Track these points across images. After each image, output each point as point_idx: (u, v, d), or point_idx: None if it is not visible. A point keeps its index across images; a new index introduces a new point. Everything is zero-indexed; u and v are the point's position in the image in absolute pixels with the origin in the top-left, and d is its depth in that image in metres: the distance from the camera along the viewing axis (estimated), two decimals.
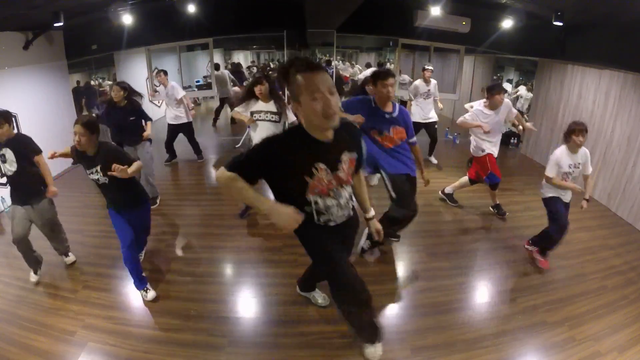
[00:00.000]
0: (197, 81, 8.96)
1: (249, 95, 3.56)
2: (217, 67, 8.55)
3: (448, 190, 4.27)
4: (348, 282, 1.89)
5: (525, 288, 2.90)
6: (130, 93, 4.06)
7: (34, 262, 2.99)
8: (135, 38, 5.99)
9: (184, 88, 7.81)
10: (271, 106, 3.53)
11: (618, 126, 4.28)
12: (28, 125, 4.72)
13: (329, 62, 9.92)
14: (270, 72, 9.82)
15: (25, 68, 4.77)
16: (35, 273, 2.99)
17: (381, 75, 2.77)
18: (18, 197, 2.89)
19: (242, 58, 14.24)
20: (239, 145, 6.48)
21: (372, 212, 2.07)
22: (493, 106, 3.70)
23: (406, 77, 8.02)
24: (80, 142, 2.53)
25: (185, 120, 5.44)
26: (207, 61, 9.10)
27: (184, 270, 3.17)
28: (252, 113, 3.55)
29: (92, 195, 4.85)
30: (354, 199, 1.90)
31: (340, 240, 1.91)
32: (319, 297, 2.65)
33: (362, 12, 6.37)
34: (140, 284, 2.75)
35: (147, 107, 8.71)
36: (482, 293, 2.91)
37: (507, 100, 3.79)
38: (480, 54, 7.64)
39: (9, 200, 4.33)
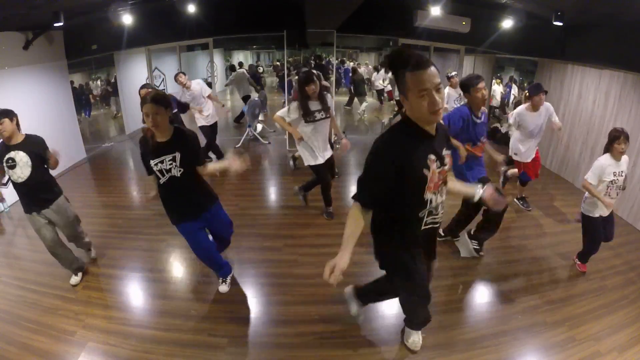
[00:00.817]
0: None
1: (304, 98, 3.30)
2: (239, 65, 8.50)
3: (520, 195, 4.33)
4: (424, 295, 2.04)
5: (525, 288, 2.90)
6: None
7: (74, 262, 2.88)
8: (135, 38, 5.99)
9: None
10: (319, 104, 3.35)
11: (618, 126, 4.27)
12: (28, 125, 4.71)
13: (342, 62, 9.82)
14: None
15: (25, 68, 4.77)
16: (76, 275, 2.92)
17: (473, 82, 2.77)
18: (34, 203, 2.69)
19: (242, 58, 14.22)
20: (239, 145, 6.48)
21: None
22: (535, 107, 3.79)
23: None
24: (155, 123, 2.15)
25: (217, 119, 5.25)
26: (207, 61, 9.11)
27: (184, 270, 3.17)
28: (306, 116, 3.33)
29: (92, 195, 4.86)
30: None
31: (427, 247, 1.92)
32: (358, 311, 2.42)
33: (362, 12, 6.36)
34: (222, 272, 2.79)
35: None
36: (482, 293, 2.91)
37: (548, 104, 3.85)
38: (480, 54, 7.64)
39: (9, 200, 4.34)
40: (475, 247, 3.19)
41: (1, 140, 2.59)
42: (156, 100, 2.14)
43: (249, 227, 3.77)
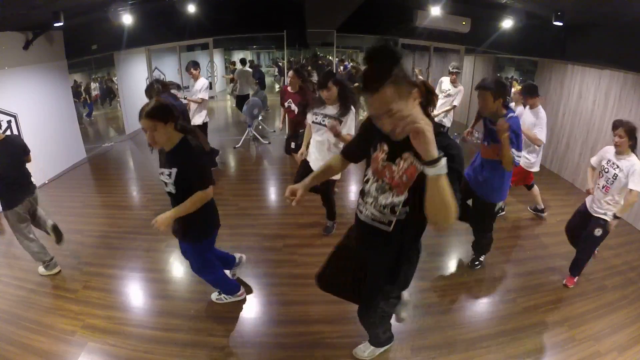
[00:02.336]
0: None
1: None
2: (243, 61, 8.37)
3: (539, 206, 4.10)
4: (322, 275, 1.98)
5: (525, 288, 2.90)
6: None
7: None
8: (135, 38, 6.00)
9: (184, 88, 7.83)
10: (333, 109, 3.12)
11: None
12: (28, 125, 4.72)
13: (342, 61, 9.80)
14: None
15: (25, 68, 4.77)
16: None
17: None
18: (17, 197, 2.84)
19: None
20: (238, 145, 6.48)
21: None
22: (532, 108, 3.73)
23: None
24: (152, 139, 1.97)
25: (202, 121, 5.16)
26: (207, 61, 9.12)
27: (183, 270, 3.17)
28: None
29: (92, 195, 4.86)
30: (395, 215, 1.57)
31: (364, 242, 1.75)
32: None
33: (362, 12, 6.38)
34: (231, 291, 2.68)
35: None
36: (482, 293, 2.91)
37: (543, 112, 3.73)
38: (480, 54, 7.64)
39: None
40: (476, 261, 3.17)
41: None
42: (151, 115, 1.92)
43: (249, 227, 3.77)
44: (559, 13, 4.17)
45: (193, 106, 5.05)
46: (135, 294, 2.85)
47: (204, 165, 2.15)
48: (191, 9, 5.82)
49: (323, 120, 3.09)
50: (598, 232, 2.68)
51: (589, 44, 4.64)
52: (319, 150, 3.17)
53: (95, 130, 8.70)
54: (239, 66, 8.53)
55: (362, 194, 1.65)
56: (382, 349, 2.26)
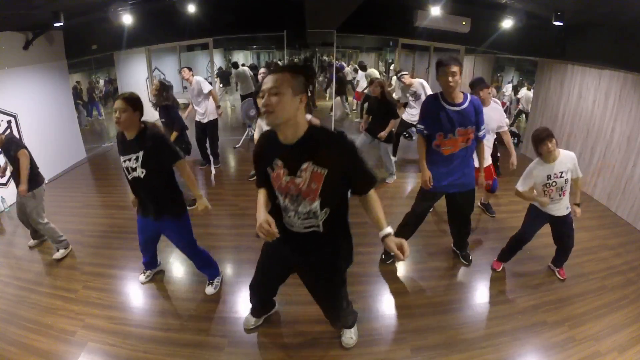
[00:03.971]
0: None
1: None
2: (235, 65, 8.51)
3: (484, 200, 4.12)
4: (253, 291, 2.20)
5: (525, 288, 2.90)
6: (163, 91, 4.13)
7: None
8: (135, 38, 6.00)
9: (184, 88, 7.83)
10: None
11: (618, 126, 4.28)
12: (28, 125, 4.72)
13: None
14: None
15: (25, 68, 4.77)
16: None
17: (442, 63, 2.50)
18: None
19: (242, 58, 14.24)
20: (238, 145, 6.48)
21: (387, 230, 1.65)
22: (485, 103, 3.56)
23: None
24: (118, 120, 2.22)
25: (211, 118, 5.17)
26: (207, 61, 9.11)
27: (184, 270, 3.17)
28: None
29: (92, 195, 4.86)
30: (318, 218, 1.69)
31: (301, 252, 1.83)
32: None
33: (362, 12, 6.37)
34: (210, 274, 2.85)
35: (147, 106, 8.75)
36: (482, 293, 2.91)
37: (494, 104, 3.65)
38: (480, 54, 7.64)
39: (9, 200, 4.34)
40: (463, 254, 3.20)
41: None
42: (127, 99, 2.24)
43: (249, 227, 3.76)
44: (559, 13, 4.16)
45: (211, 105, 5.11)
46: (135, 294, 2.85)
47: (169, 140, 2.47)
48: (191, 9, 5.81)
49: None
50: (572, 221, 2.81)
51: (589, 44, 4.63)
52: None
53: (101, 129, 8.71)
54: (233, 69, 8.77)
55: (280, 211, 1.72)
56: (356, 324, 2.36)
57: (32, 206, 3.17)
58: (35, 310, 2.63)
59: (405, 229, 3.00)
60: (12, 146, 3.10)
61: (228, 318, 2.58)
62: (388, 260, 3.16)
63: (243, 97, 7.87)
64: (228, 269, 3.15)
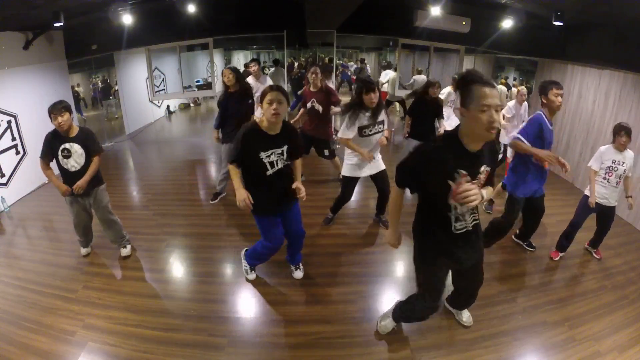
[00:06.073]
0: (197, 81, 8.95)
1: (358, 107, 3.06)
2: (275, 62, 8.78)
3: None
4: (431, 301, 2.12)
5: (525, 288, 2.91)
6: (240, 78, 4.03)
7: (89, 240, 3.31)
8: (135, 38, 5.99)
9: (184, 88, 7.83)
10: (379, 115, 3.13)
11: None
12: (28, 125, 4.72)
13: (330, 61, 9.73)
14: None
15: (25, 68, 4.77)
16: (86, 247, 3.30)
17: (553, 85, 2.81)
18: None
19: (242, 58, 14.23)
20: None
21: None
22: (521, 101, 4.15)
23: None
24: (277, 111, 2.28)
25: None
26: (207, 61, 9.11)
27: (184, 270, 3.17)
28: (361, 129, 3.10)
29: None
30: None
31: (468, 249, 1.91)
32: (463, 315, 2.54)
33: (362, 12, 6.37)
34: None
35: (147, 106, 8.76)
36: (482, 293, 2.89)
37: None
38: (480, 54, 7.64)
39: (9, 200, 4.34)
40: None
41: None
42: (284, 91, 2.37)
43: (249, 227, 3.75)
44: (559, 13, 4.17)
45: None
46: (135, 294, 2.84)
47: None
48: (191, 9, 5.80)
49: (379, 129, 3.18)
50: (614, 213, 3.20)
51: (588, 44, 4.64)
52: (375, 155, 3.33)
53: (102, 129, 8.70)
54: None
55: (457, 219, 1.80)
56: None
57: (108, 199, 3.21)
58: (35, 310, 2.63)
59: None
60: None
61: (228, 318, 2.58)
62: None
63: None
64: (228, 269, 3.15)
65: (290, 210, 2.66)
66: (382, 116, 3.18)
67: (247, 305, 2.73)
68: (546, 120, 2.83)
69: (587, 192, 3.16)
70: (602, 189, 3.08)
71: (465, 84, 1.60)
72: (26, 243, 3.60)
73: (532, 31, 5.27)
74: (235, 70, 3.97)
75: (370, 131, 3.13)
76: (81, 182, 2.87)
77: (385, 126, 3.24)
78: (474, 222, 1.86)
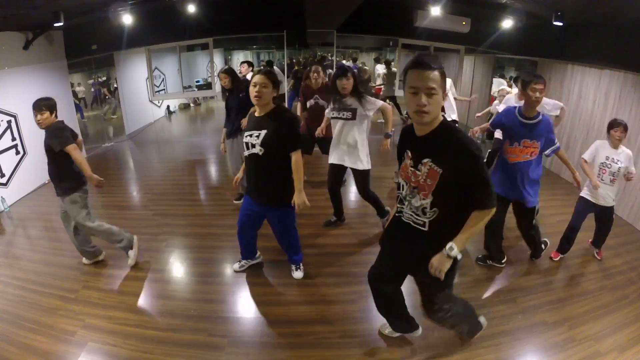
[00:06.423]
0: (197, 81, 8.95)
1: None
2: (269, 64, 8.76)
3: None
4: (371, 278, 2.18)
5: (525, 288, 2.90)
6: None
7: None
8: (135, 38, 6.00)
9: (184, 88, 7.83)
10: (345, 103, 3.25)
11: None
12: (28, 125, 4.72)
13: (323, 58, 9.64)
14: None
15: (25, 68, 4.78)
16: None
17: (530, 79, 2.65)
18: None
19: (242, 58, 14.23)
20: None
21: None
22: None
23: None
24: (260, 94, 2.36)
25: None
26: (207, 61, 9.11)
27: (184, 270, 3.17)
28: (331, 110, 3.34)
29: (92, 195, 4.84)
30: (426, 214, 1.72)
31: (405, 246, 1.86)
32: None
33: (362, 12, 6.37)
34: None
35: (147, 106, 8.76)
36: (482, 293, 2.90)
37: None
38: (480, 54, 7.64)
39: (9, 200, 4.35)
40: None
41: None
42: (269, 74, 2.39)
43: None
44: (559, 13, 4.16)
45: None
46: (135, 294, 2.84)
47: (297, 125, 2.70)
48: (191, 9, 5.80)
49: (341, 114, 3.25)
50: (613, 214, 3.17)
51: (589, 44, 4.63)
52: (339, 141, 3.36)
53: (102, 130, 8.70)
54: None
55: (400, 199, 1.84)
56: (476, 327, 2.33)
57: (82, 215, 2.92)
58: (35, 310, 2.63)
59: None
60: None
61: (228, 318, 2.58)
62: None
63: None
64: (228, 269, 3.15)
65: (272, 214, 2.66)
66: (355, 104, 3.20)
67: (247, 305, 2.73)
68: (517, 115, 2.72)
69: (582, 194, 3.12)
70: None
71: (405, 70, 1.57)
72: (26, 243, 3.60)
73: (532, 31, 5.27)
74: (229, 71, 4.04)
75: (337, 114, 3.27)
76: (94, 176, 2.82)
77: (356, 116, 3.22)
78: (417, 222, 1.74)
